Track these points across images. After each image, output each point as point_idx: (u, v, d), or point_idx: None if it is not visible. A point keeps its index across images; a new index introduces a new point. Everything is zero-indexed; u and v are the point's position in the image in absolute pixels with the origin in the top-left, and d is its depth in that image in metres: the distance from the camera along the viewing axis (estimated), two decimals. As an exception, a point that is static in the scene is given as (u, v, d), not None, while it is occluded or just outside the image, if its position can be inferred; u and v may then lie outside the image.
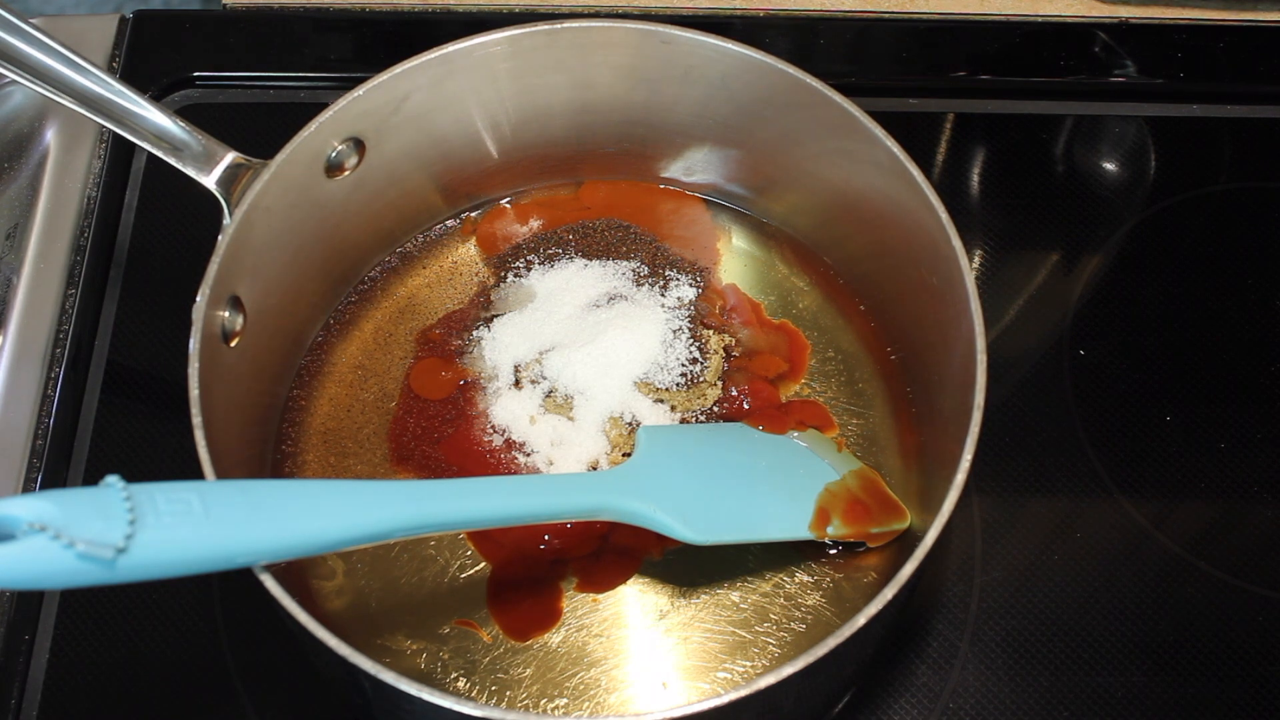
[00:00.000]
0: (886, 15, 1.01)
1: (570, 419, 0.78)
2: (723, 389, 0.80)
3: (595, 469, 0.76)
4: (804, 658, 0.58)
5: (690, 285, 0.84)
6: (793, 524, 0.73)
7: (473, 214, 0.88)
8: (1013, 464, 0.83)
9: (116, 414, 0.83)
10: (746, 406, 0.79)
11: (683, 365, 0.80)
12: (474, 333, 0.82)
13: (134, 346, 0.86)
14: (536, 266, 0.85)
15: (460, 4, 1.01)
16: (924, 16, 1.01)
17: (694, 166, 0.87)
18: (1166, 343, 0.88)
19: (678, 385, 0.79)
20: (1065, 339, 0.88)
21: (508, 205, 0.88)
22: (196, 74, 0.96)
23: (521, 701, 0.71)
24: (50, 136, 0.90)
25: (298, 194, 0.75)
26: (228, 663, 0.75)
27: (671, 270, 0.84)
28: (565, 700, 0.71)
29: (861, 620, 0.59)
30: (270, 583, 0.60)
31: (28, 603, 0.76)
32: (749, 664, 0.72)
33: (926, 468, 0.76)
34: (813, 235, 0.86)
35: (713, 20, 1.00)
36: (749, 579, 0.75)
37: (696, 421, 0.79)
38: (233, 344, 0.71)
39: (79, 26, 0.98)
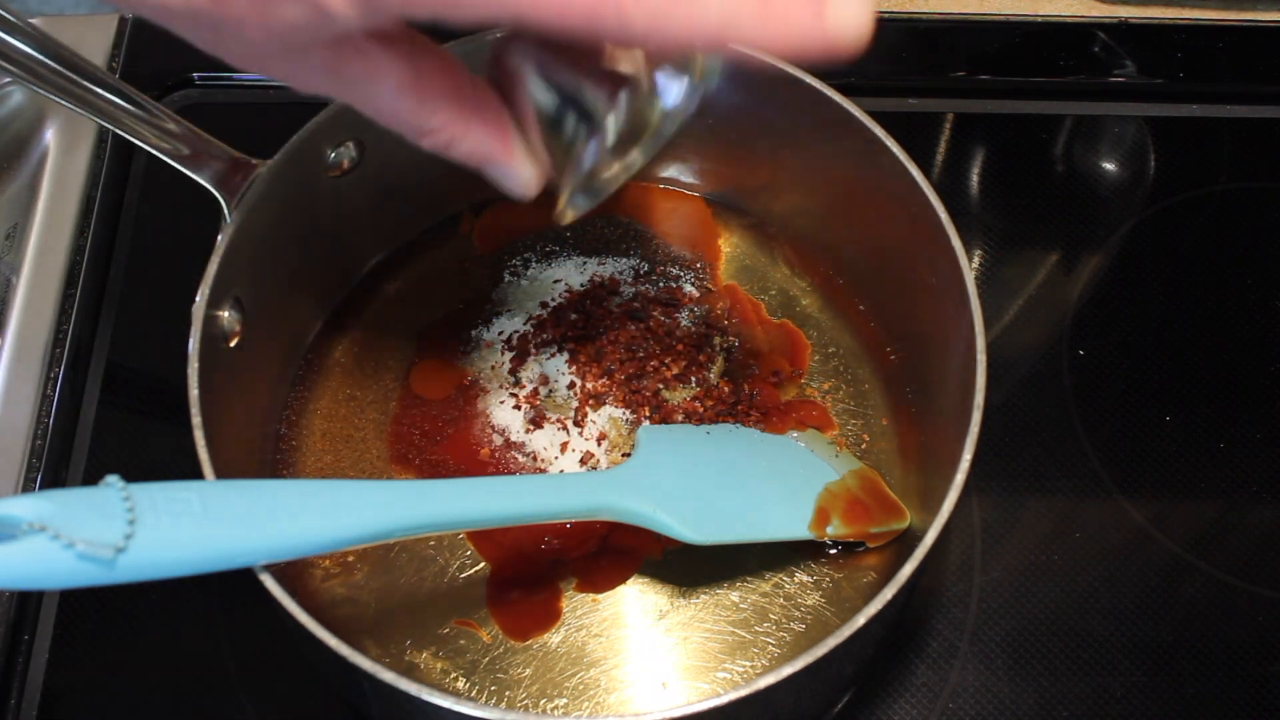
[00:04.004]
0: (886, 15, 1.01)
1: (570, 419, 0.78)
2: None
3: (595, 469, 0.76)
4: (804, 658, 0.58)
5: (691, 285, 0.84)
6: (792, 524, 0.73)
7: (471, 213, 0.88)
8: (1013, 464, 0.83)
9: (116, 414, 0.83)
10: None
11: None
12: (474, 332, 0.82)
13: (134, 346, 0.86)
14: (535, 264, 0.85)
15: (460, 4, 1.00)
16: (924, 16, 1.01)
17: (693, 166, 0.87)
18: (1166, 343, 0.88)
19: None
20: (1065, 339, 0.88)
21: (506, 204, 0.88)
22: (196, 74, 0.96)
23: (521, 701, 0.71)
24: (50, 136, 0.89)
25: (297, 194, 0.75)
26: (228, 663, 0.75)
27: (672, 269, 0.84)
28: (565, 700, 0.71)
29: (861, 620, 0.59)
30: (270, 583, 0.60)
31: (28, 603, 0.76)
32: (749, 664, 0.72)
33: (926, 468, 0.76)
34: (813, 235, 0.86)
35: (713, 20, 1.00)
36: (749, 579, 0.75)
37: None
38: (233, 344, 0.71)
39: (79, 26, 0.97)
